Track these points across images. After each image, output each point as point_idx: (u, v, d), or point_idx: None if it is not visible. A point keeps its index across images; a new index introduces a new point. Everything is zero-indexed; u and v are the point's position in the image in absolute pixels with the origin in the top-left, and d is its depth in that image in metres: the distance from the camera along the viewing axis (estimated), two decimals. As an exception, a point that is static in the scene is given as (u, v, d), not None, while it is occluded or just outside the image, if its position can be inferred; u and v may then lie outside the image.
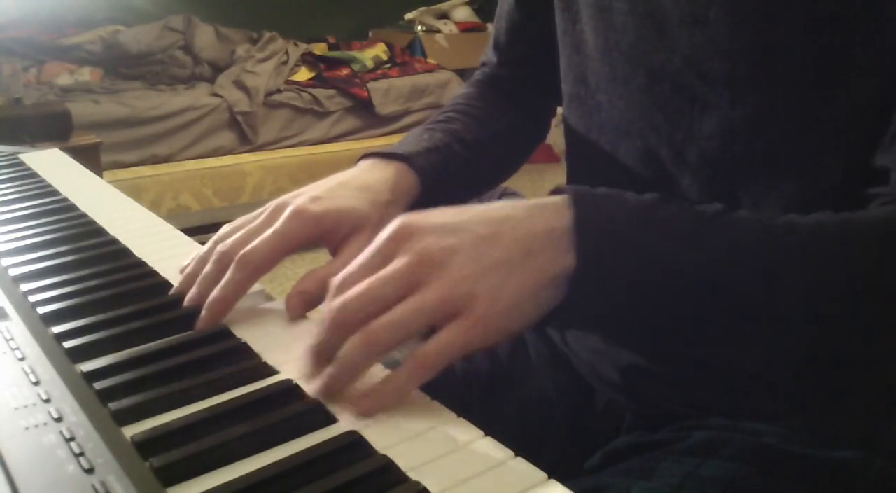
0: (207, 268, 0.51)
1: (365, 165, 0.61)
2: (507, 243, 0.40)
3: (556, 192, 0.43)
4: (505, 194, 2.77)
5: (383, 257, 0.41)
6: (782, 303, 0.43)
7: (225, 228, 0.55)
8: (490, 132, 0.72)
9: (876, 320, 0.45)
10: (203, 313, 0.49)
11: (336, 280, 0.42)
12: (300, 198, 0.54)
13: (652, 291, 0.41)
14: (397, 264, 0.40)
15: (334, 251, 0.54)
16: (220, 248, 0.52)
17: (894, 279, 0.44)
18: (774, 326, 0.44)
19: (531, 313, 0.41)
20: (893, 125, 0.47)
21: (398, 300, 0.39)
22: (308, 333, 0.47)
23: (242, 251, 0.50)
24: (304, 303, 0.50)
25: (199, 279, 0.51)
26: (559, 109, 0.76)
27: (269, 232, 0.51)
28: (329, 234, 0.53)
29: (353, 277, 0.41)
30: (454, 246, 0.40)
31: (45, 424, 0.36)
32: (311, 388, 0.40)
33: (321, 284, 0.50)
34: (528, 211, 0.42)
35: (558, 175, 3.59)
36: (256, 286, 0.55)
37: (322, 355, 0.41)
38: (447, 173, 0.64)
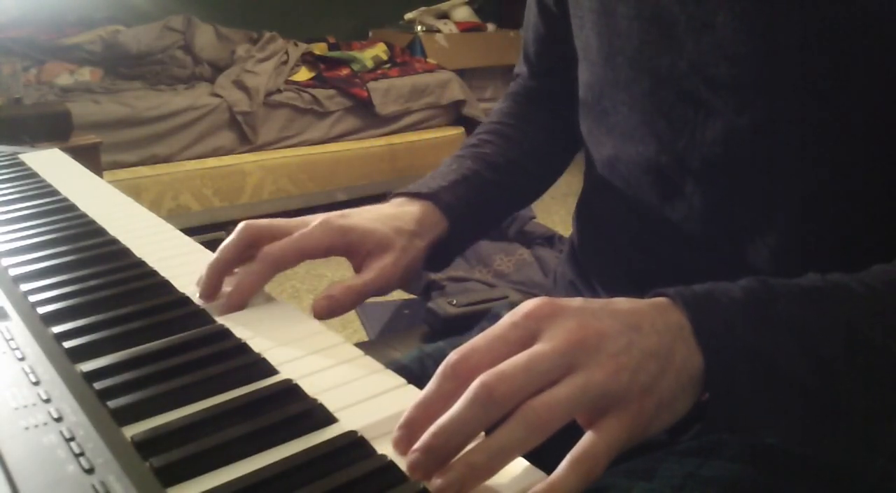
0: (230, 239, 0.55)
1: (394, 201, 0.64)
2: (651, 334, 0.37)
3: (656, 295, 0.41)
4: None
5: (525, 333, 0.37)
6: None
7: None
8: (524, 150, 0.74)
9: None
10: (223, 301, 0.52)
11: (461, 351, 0.36)
12: (332, 214, 0.57)
13: (787, 373, 0.39)
14: (551, 340, 0.36)
15: (358, 268, 0.57)
16: (248, 223, 0.55)
17: None
18: None
19: (679, 413, 0.38)
20: None
21: (553, 381, 0.35)
22: (309, 332, 0.47)
23: (266, 247, 0.53)
24: (330, 307, 0.53)
25: (220, 248, 0.54)
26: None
27: (297, 234, 0.54)
28: (353, 248, 0.57)
29: (485, 349, 0.36)
30: (605, 331, 0.36)
31: (45, 424, 0.36)
32: (443, 476, 0.33)
33: (349, 292, 0.54)
34: (651, 307, 0.39)
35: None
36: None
37: (454, 439, 0.33)
38: (476, 202, 0.67)
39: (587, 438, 0.35)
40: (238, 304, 0.51)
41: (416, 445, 0.34)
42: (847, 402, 0.41)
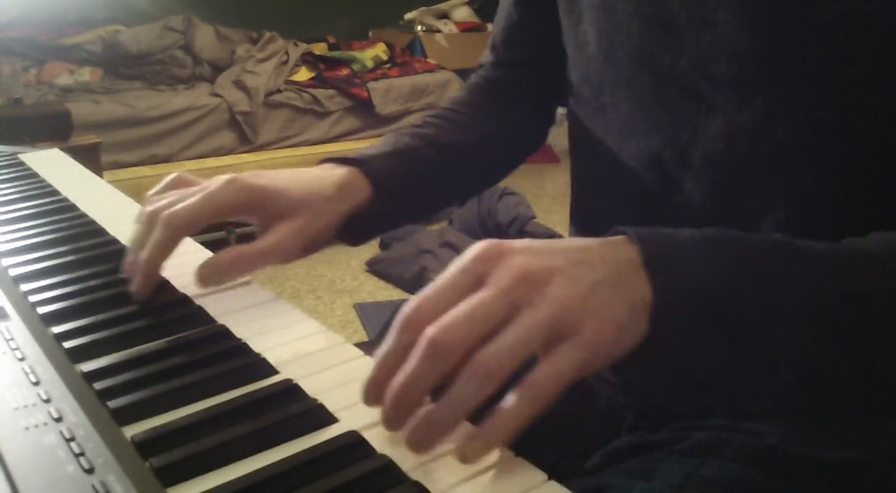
0: (137, 228, 0.52)
1: (322, 166, 0.61)
2: (601, 266, 0.37)
3: (614, 232, 0.41)
4: (505, 194, 2.77)
5: (471, 278, 0.36)
6: (863, 323, 0.39)
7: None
8: (470, 137, 0.71)
9: None
10: (136, 278, 0.49)
11: (413, 303, 0.36)
12: (246, 173, 0.54)
13: (738, 308, 0.38)
14: (496, 283, 0.35)
15: (263, 230, 0.54)
16: (149, 208, 0.52)
17: None
18: (859, 349, 0.40)
19: (633, 337, 0.37)
20: None
21: (501, 325, 0.35)
22: (309, 332, 0.47)
23: (167, 211, 0.50)
24: (212, 275, 0.50)
25: (130, 242, 0.52)
26: (558, 110, 0.76)
27: (199, 195, 0.51)
28: (260, 209, 0.54)
29: (436, 299, 0.36)
30: (553, 266, 0.36)
31: (45, 424, 0.36)
32: (409, 434, 0.35)
33: (238, 259, 0.51)
34: (601, 243, 0.39)
35: (558, 175, 3.58)
36: (254, 284, 0.55)
37: (412, 395, 0.35)
38: (408, 176, 0.64)
39: (538, 367, 0.35)
40: (151, 277, 0.49)
41: (384, 403, 0.35)
42: (796, 347, 0.39)
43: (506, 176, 0.77)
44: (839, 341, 0.39)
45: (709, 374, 0.41)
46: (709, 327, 0.38)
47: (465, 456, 0.34)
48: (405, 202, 0.64)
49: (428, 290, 0.36)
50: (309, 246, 0.56)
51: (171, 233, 0.50)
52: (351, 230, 0.60)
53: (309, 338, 0.47)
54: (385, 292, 2.49)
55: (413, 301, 0.36)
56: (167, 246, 0.50)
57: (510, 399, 0.34)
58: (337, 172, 0.59)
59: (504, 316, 0.35)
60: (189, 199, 0.51)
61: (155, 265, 0.50)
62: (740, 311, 0.38)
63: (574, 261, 0.37)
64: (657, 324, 0.37)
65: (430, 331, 0.34)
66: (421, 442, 0.34)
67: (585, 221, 0.70)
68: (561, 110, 0.74)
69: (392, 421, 0.35)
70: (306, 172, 0.58)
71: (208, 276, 0.50)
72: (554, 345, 0.35)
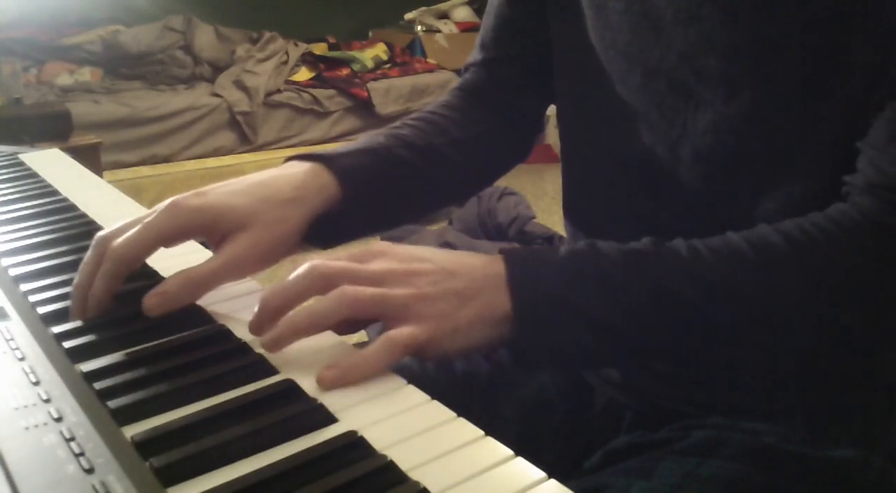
0: (88, 253, 0.50)
1: (284, 165, 0.58)
2: (463, 279, 0.46)
3: (500, 251, 0.49)
4: (504, 194, 2.77)
5: (359, 259, 0.47)
6: (731, 318, 0.46)
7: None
8: (451, 139, 0.67)
9: (829, 324, 0.47)
10: (86, 308, 0.48)
11: (313, 263, 0.46)
12: (188, 193, 0.52)
13: (598, 322, 0.46)
14: (371, 265, 0.46)
15: (215, 248, 0.52)
16: (99, 233, 0.51)
17: (839, 287, 0.47)
18: (729, 339, 0.48)
19: (475, 341, 0.46)
20: (873, 112, 0.47)
21: (371, 285, 0.45)
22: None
23: (112, 244, 0.49)
24: (161, 304, 0.47)
25: (81, 264, 0.50)
26: (551, 109, 0.75)
27: (141, 225, 0.50)
28: (207, 229, 0.52)
29: (332, 263, 0.46)
30: (420, 270, 0.46)
31: (45, 424, 0.37)
32: (263, 339, 0.44)
33: (187, 284, 0.48)
34: (483, 260, 0.48)
35: (558, 175, 3.55)
36: (254, 285, 0.55)
37: (281, 303, 0.45)
38: (381, 175, 0.61)
39: (391, 331, 0.44)
40: (95, 312, 0.48)
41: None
42: (655, 345, 0.48)
43: (490, 183, 0.75)
44: (686, 332, 0.47)
45: (587, 361, 0.54)
46: (566, 329, 0.46)
47: (324, 381, 0.41)
48: (375, 202, 0.61)
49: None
50: (268, 257, 0.53)
51: (116, 266, 0.48)
52: (318, 232, 0.57)
53: (309, 338, 0.47)
54: (385, 291, 2.48)
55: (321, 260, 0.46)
56: (114, 279, 0.48)
57: (371, 347, 0.43)
58: (297, 171, 0.56)
59: (377, 281, 0.45)
60: (129, 231, 0.50)
61: (103, 299, 0.48)
62: (591, 316, 0.46)
63: (446, 271, 0.46)
64: (520, 329, 0.46)
65: (315, 262, 0.46)
66: (276, 339, 0.44)
67: (577, 216, 0.70)
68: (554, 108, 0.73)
69: (255, 322, 0.45)
70: (256, 177, 0.55)
71: (157, 305, 0.47)
72: (399, 322, 0.44)
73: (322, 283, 0.45)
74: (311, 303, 0.45)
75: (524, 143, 0.76)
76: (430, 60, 3.71)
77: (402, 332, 0.44)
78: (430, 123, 0.68)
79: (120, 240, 0.49)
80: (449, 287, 0.46)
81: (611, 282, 0.46)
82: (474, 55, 0.74)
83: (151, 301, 0.47)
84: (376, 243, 0.48)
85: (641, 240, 0.48)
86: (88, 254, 0.50)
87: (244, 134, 2.97)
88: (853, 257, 0.46)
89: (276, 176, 0.55)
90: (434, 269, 0.46)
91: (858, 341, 0.49)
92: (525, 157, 0.77)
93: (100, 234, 0.51)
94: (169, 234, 0.50)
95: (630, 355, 0.50)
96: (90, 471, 0.33)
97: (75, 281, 0.50)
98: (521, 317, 0.46)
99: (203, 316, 0.50)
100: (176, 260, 0.57)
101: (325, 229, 0.57)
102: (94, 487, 0.32)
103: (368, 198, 0.59)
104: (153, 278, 0.56)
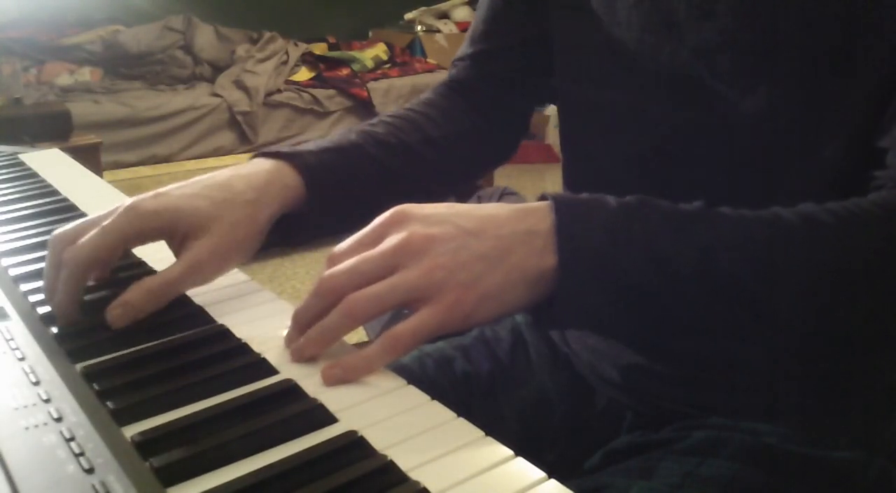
0: (47, 257, 0.50)
1: (249, 162, 0.57)
2: (488, 239, 0.43)
3: (541, 198, 0.45)
4: (505, 194, 2.76)
5: (374, 238, 0.44)
6: (773, 295, 0.43)
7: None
8: (427, 138, 0.66)
9: (871, 307, 0.45)
10: (53, 310, 0.48)
11: (332, 253, 0.45)
12: (147, 194, 0.51)
13: (638, 288, 0.42)
14: (383, 246, 0.43)
15: (176, 254, 0.51)
16: (55, 233, 0.50)
17: (885, 267, 0.44)
18: (766, 318, 0.44)
19: (510, 305, 0.43)
20: (894, 106, 0.47)
21: (379, 279, 0.42)
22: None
23: (69, 249, 0.48)
24: (124, 316, 0.47)
25: (44, 270, 0.50)
26: (551, 109, 0.74)
27: (97, 229, 0.48)
28: (166, 232, 0.51)
29: (344, 253, 0.45)
30: (437, 236, 0.42)
31: (45, 424, 0.37)
32: (290, 350, 0.44)
33: (147, 295, 0.47)
34: (514, 212, 0.44)
35: (558, 175, 3.54)
36: (254, 284, 0.55)
37: (304, 320, 0.44)
38: (348, 173, 0.60)
39: (394, 327, 0.42)
40: (70, 314, 0.47)
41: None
42: (691, 318, 0.44)
43: (471, 182, 0.75)
44: (734, 304, 0.43)
45: (623, 329, 0.47)
46: (608, 290, 0.42)
47: (327, 378, 0.41)
48: (341, 202, 0.59)
49: (344, 243, 0.45)
50: (230, 260, 0.52)
51: (75, 273, 0.47)
52: (284, 231, 0.56)
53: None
54: (385, 291, 2.48)
55: (337, 248, 0.45)
56: (75, 285, 0.47)
57: (373, 345, 0.42)
58: (260, 170, 0.55)
59: (381, 274, 0.42)
60: (87, 233, 0.48)
61: (69, 308, 0.47)
62: (637, 278, 0.42)
63: (464, 232, 0.43)
64: (561, 286, 0.42)
65: (323, 276, 0.43)
66: (298, 351, 0.44)
67: None
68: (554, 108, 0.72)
69: (288, 337, 0.46)
70: (216, 177, 0.54)
71: (119, 317, 0.46)
72: (418, 305, 0.42)
73: (332, 298, 0.43)
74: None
75: (507, 143, 0.74)
76: (430, 60, 3.71)
77: (407, 325, 0.42)
78: (408, 120, 0.67)
79: (77, 244, 0.48)
80: (472, 252, 0.42)
81: (654, 243, 0.42)
82: (463, 49, 0.73)
83: (114, 313, 0.47)
84: (398, 208, 0.45)
85: (693, 204, 0.45)
86: (47, 256, 0.49)
87: (244, 134, 2.97)
88: None
89: (238, 176, 0.54)
90: (455, 232, 0.43)
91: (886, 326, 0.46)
92: (507, 157, 0.76)
93: (56, 233, 0.50)
94: (127, 237, 0.49)
95: (661, 327, 0.45)
96: (90, 471, 0.33)
97: (43, 285, 0.49)
98: (565, 275, 0.42)
99: (203, 316, 0.50)
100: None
101: (290, 229, 0.57)
102: (93, 487, 0.32)
103: (333, 197, 0.58)
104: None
